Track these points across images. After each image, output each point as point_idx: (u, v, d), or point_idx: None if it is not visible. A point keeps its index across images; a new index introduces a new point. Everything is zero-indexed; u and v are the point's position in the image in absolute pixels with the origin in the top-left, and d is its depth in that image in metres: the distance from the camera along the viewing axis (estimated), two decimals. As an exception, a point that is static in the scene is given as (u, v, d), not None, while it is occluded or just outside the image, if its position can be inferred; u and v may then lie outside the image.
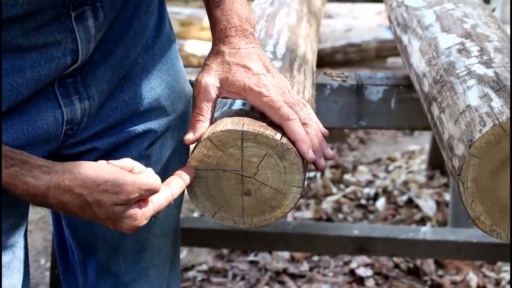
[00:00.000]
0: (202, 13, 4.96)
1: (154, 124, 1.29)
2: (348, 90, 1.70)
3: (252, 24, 1.21)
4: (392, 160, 3.84)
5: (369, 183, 3.53)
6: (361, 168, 3.72)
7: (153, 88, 1.28)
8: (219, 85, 1.15)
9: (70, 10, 1.09)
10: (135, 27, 1.24)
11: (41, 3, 1.04)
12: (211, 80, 1.15)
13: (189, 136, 1.12)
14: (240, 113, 1.11)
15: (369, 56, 5.01)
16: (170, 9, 4.90)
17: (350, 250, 2.18)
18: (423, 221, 3.10)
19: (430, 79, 1.28)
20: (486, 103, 1.03)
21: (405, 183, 3.46)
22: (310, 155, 1.10)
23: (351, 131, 4.12)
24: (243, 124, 1.07)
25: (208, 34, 5.09)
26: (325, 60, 4.93)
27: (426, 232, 2.13)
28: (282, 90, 1.14)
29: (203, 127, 1.13)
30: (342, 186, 3.51)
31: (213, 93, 1.14)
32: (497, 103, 1.02)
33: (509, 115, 0.97)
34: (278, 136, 1.07)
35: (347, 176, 3.63)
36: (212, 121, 1.13)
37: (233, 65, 1.15)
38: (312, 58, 1.50)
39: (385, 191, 3.41)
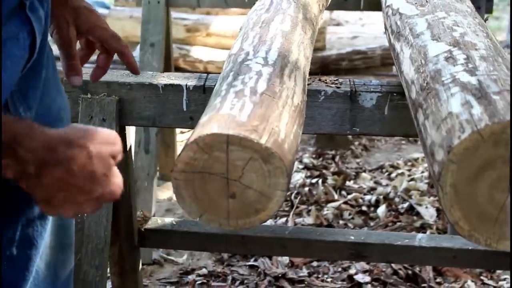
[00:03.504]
0: (209, 19, 5.01)
1: None
2: (342, 97, 1.72)
3: None
4: (395, 167, 3.85)
5: (371, 190, 3.54)
6: (364, 175, 3.73)
7: (55, 100, 1.31)
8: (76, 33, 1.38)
9: None
10: (46, 31, 1.26)
11: None
12: (73, 32, 1.37)
13: (79, 80, 1.37)
14: (226, 116, 1.13)
15: (375, 64, 5.08)
16: (177, 15, 4.97)
17: (346, 255, 2.19)
18: (423, 228, 3.11)
19: (417, 86, 1.30)
20: (467, 110, 1.05)
21: (407, 191, 3.47)
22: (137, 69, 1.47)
23: (355, 138, 4.13)
24: (229, 128, 1.09)
25: (214, 40, 5.16)
26: (331, 67, 5.00)
27: (422, 238, 2.14)
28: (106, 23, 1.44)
29: (81, 69, 1.39)
30: (344, 192, 3.53)
31: (75, 42, 1.39)
32: (477, 110, 1.03)
33: (488, 122, 0.98)
34: (263, 140, 1.08)
35: (349, 183, 3.64)
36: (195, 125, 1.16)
37: (79, 10, 1.38)
38: (304, 65, 1.52)
39: (387, 198, 3.42)
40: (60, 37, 1.36)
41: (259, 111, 1.17)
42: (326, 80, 1.77)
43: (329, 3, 2.30)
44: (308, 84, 1.69)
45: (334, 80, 1.77)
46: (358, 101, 1.71)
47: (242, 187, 1.10)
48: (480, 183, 1.01)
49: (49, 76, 1.29)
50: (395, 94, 1.70)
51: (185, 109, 1.75)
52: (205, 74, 1.81)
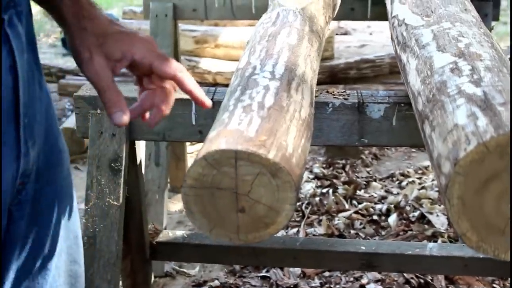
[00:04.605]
0: (217, 31, 5.03)
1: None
2: (350, 108, 1.73)
3: None
4: (406, 176, 3.85)
5: (382, 199, 3.54)
6: (374, 184, 3.74)
7: (57, 140, 1.29)
8: (108, 62, 1.14)
9: (1, 12, 1.02)
10: (33, 57, 1.18)
11: None
12: (99, 61, 1.14)
13: (121, 117, 1.14)
14: (234, 132, 1.14)
15: (383, 72, 5.08)
16: (185, 26, 4.98)
17: (357, 266, 2.20)
18: (434, 236, 3.11)
19: (424, 98, 1.31)
20: (473, 122, 1.05)
21: (418, 199, 3.47)
22: (208, 100, 1.18)
23: (365, 147, 4.13)
24: (237, 143, 1.10)
25: (223, 51, 5.17)
26: (339, 76, 5.01)
27: (433, 247, 2.14)
28: (156, 46, 1.19)
29: (125, 103, 1.14)
30: (355, 202, 3.53)
31: (109, 72, 1.15)
32: (483, 122, 1.04)
33: (493, 134, 0.99)
34: (271, 155, 1.09)
35: (360, 192, 3.64)
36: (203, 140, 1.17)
37: (106, 35, 1.15)
38: (311, 77, 1.53)
39: (397, 207, 3.42)
40: (84, 71, 1.16)
41: (266, 125, 1.18)
42: (333, 92, 1.78)
43: (335, 14, 2.31)
44: (315, 96, 1.70)
45: (342, 92, 1.78)
46: (366, 112, 1.72)
47: (251, 202, 1.11)
48: (487, 194, 1.01)
49: (51, 115, 1.25)
50: (402, 105, 1.71)
51: (194, 123, 1.77)
52: (214, 88, 1.83)
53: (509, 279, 2.79)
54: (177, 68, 1.16)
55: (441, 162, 1.07)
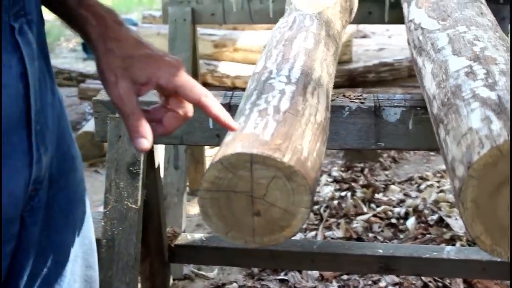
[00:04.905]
0: (236, 35, 5.05)
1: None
2: (366, 112, 1.73)
3: (109, 6, 1.19)
4: (424, 179, 3.85)
5: (400, 202, 3.54)
6: (393, 187, 3.73)
7: (70, 148, 1.29)
8: (133, 86, 1.13)
9: (11, 21, 1.03)
10: (44, 64, 1.18)
11: None
12: (123, 86, 1.12)
13: (144, 143, 1.11)
14: (249, 136, 1.15)
15: (401, 75, 5.08)
16: (204, 30, 5.02)
17: (375, 269, 2.20)
18: (453, 240, 3.10)
19: (439, 102, 1.31)
20: (487, 126, 1.06)
21: (436, 202, 3.46)
22: (235, 124, 1.14)
23: (383, 150, 4.14)
24: (253, 147, 1.11)
25: (241, 55, 5.20)
26: (358, 79, 5.01)
27: (450, 251, 2.14)
28: (183, 69, 1.16)
29: (148, 129, 1.12)
30: (373, 205, 3.53)
31: (134, 97, 1.13)
32: (496, 125, 1.04)
33: (507, 138, 1.00)
34: (286, 158, 1.10)
35: (378, 196, 3.64)
36: (220, 143, 1.18)
37: (132, 58, 1.14)
38: (328, 82, 1.54)
39: (416, 210, 3.42)
40: (109, 94, 1.14)
41: (282, 129, 1.19)
42: (350, 95, 1.79)
43: (352, 18, 2.32)
44: (332, 100, 1.71)
45: (358, 96, 1.78)
46: (382, 116, 1.72)
47: (267, 205, 1.12)
48: (500, 198, 1.02)
49: (63, 122, 1.26)
50: (418, 109, 1.71)
51: (211, 127, 1.78)
52: (231, 92, 1.84)
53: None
54: (201, 93, 1.14)
55: (455, 166, 1.08)
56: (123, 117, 1.13)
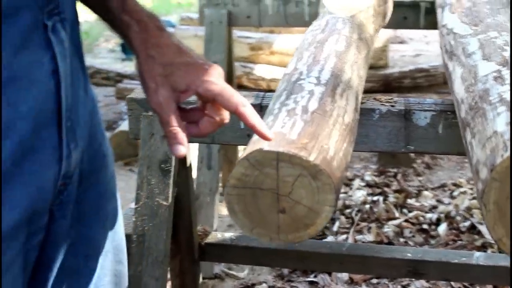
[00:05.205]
0: (272, 38, 5.08)
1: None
2: (396, 115, 1.74)
3: (152, 11, 1.21)
4: (457, 186, 3.83)
5: (433, 208, 3.53)
6: (426, 193, 3.73)
7: (101, 145, 1.32)
8: (172, 93, 1.15)
9: (44, 18, 1.05)
10: (74, 62, 1.19)
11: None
12: (163, 93, 1.15)
13: (181, 149, 1.14)
14: (277, 134, 1.18)
15: (437, 82, 5.06)
16: (241, 33, 5.06)
17: (403, 273, 2.20)
18: (484, 247, 3.09)
19: (466, 106, 1.32)
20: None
21: (469, 209, 3.45)
22: (271, 134, 1.14)
23: (417, 156, 4.13)
24: (279, 145, 1.14)
25: (277, 58, 5.23)
26: (393, 85, 5.01)
27: (479, 257, 2.14)
28: (222, 77, 1.17)
29: (185, 136, 1.15)
30: (405, 210, 3.53)
31: (173, 104, 1.15)
32: (522, 129, 1.05)
33: (530, 141, 1.00)
34: (311, 157, 1.12)
35: (410, 201, 3.64)
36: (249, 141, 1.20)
37: (173, 65, 1.16)
38: (357, 84, 1.56)
39: (448, 217, 3.41)
40: (149, 101, 1.17)
41: (309, 129, 1.21)
42: (381, 99, 1.80)
43: (386, 22, 2.33)
44: (363, 103, 1.72)
45: (389, 99, 1.79)
46: (412, 120, 1.73)
47: (292, 203, 1.14)
48: (522, 200, 1.02)
49: (95, 120, 1.28)
50: (449, 113, 1.71)
51: (242, 127, 1.80)
52: (262, 93, 1.86)
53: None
54: (239, 102, 1.15)
55: (479, 168, 1.09)
56: (162, 123, 1.15)
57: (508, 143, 1.03)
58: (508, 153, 1.01)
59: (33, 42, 1.04)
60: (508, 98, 1.18)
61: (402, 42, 7.08)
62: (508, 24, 1.62)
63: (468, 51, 1.53)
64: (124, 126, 4.52)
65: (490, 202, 1.03)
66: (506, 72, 1.30)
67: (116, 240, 1.39)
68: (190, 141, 1.85)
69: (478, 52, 1.49)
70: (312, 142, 1.17)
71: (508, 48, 1.43)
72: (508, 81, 1.26)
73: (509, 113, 1.13)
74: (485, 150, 1.09)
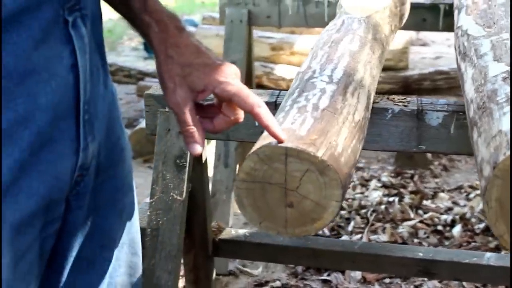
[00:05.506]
0: (293, 38, 5.10)
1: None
2: (409, 115, 1.76)
3: (172, 12, 1.25)
4: (474, 188, 3.83)
5: (448, 210, 3.54)
6: (442, 195, 3.74)
7: (119, 139, 1.35)
8: (190, 93, 1.19)
9: (65, 14, 1.08)
10: (94, 57, 1.21)
11: None
12: (181, 94, 1.19)
13: (197, 148, 1.20)
14: (286, 130, 1.20)
15: (457, 84, 5.04)
16: (262, 33, 5.08)
17: (414, 272, 2.22)
18: (498, 249, 3.09)
19: (475, 105, 1.34)
20: (516, 129, 1.09)
21: (484, 211, 3.45)
22: (283, 135, 1.16)
23: (434, 158, 4.13)
24: (288, 140, 1.16)
25: (298, 58, 5.25)
26: (413, 86, 5.02)
27: (490, 257, 2.15)
28: (238, 77, 1.21)
29: (202, 135, 1.20)
30: (420, 211, 3.54)
31: (190, 104, 1.19)
32: (525, 128, 1.07)
33: (533, 140, 1.02)
34: (319, 153, 1.15)
35: (426, 202, 3.65)
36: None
37: (191, 66, 1.20)
38: (370, 83, 1.58)
39: (463, 218, 3.41)
40: (167, 100, 1.21)
41: (318, 126, 1.23)
42: (394, 98, 1.81)
43: (403, 23, 2.34)
44: (376, 102, 1.75)
45: (402, 99, 1.81)
46: (425, 120, 1.75)
47: (300, 197, 1.17)
48: (524, 198, 1.04)
49: (114, 114, 1.31)
50: (461, 113, 1.73)
51: (256, 124, 1.82)
52: (277, 91, 1.89)
53: None
54: (254, 103, 1.18)
55: (483, 166, 1.11)
56: (179, 122, 1.20)
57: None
58: (510, 152, 1.03)
59: (54, 36, 1.07)
60: (515, 98, 1.20)
61: (424, 44, 7.08)
62: (520, 26, 1.64)
63: (480, 52, 1.55)
64: (144, 123, 4.55)
65: (492, 199, 1.05)
66: (515, 73, 1.32)
67: (132, 233, 1.42)
68: (207, 138, 1.89)
69: (490, 53, 1.51)
70: (320, 139, 1.19)
71: (519, 50, 1.45)
72: (516, 82, 1.28)
73: (515, 113, 1.14)
74: (490, 149, 1.11)
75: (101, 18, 1.24)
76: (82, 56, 1.12)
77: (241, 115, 1.25)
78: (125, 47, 7.77)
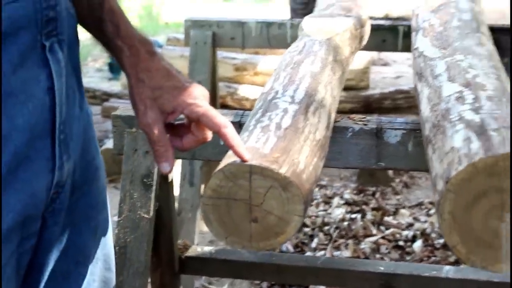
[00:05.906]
0: (257, 59, 5.17)
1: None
2: (368, 133, 1.82)
3: (144, 36, 1.30)
4: (434, 204, 3.91)
5: (409, 226, 3.62)
6: (403, 211, 3.81)
7: (94, 159, 1.39)
8: (160, 115, 1.25)
9: (43, 39, 1.14)
10: (70, 81, 1.26)
11: (17, 20, 1.08)
12: (151, 115, 1.24)
13: (167, 167, 1.26)
14: (250, 149, 1.25)
15: (417, 103, 5.13)
16: (226, 54, 5.14)
17: (376, 285, 2.27)
18: (457, 263, 3.16)
19: (430, 124, 1.41)
20: (467, 145, 1.15)
21: (438, 223, 3.53)
22: (247, 155, 1.21)
23: (396, 175, 4.22)
24: (252, 158, 1.21)
25: (261, 79, 5.31)
26: (374, 105, 5.11)
27: (449, 270, 2.22)
28: (207, 98, 1.28)
29: (171, 154, 1.26)
30: (382, 228, 3.61)
31: (160, 125, 1.25)
32: (476, 145, 1.14)
33: (482, 156, 1.09)
34: (282, 170, 1.20)
35: (388, 219, 3.72)
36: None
37: (161, 89, 1.25)
38: (330, 103, 1.64)
39: (424, 234, 3.49)
40: (139, 121, 1.26)
41: (281, 144, 1.29)
42: (354, 117, 1.88)
43: (363, 45, 2.42)
44: (337, 121, 1.80)
45: (362, 118, 1.87)
46: (384, 138, 1.81)
47: (264, 213, 1.22)
48: (475, 210, 1.10)
49: (89, 135, 1.36)
50: (418, 131, 1.79)
51: (222, 143, 1.87)
52: (242, 111, 1.93)
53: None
54: (221, 123, 1.24)
55: (436, 181, 1.17)
56: (150, 143, 1.25)
57: (463, 158, 1.12)
58: (462, 167, 1.09)
59: (31, 60, 1.12)
60: (467, 117, 1.26)
61: (385, 64, 7.19)
62: (475, 48, 1.71)
63: (435, 73, 1.62)
64: (110, 144, 4.57)
65: (445, 212, 1.11)
66: (467, 93, 1.39)
67: (106, 249, 1.46)
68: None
69: (445, 74, 1.58)
70: (283, 156, 1.24)
71: (472, 71, 1.52)
72: (467, 101, 1.35)
73: (466, 131, 1.21)
74: (443, 164, 1.17)
75: (78, 43, 1.29)
76: (58, 79, 1.17)
77: (209, 134, 1.30)
78: (89, 68, 7.78)
